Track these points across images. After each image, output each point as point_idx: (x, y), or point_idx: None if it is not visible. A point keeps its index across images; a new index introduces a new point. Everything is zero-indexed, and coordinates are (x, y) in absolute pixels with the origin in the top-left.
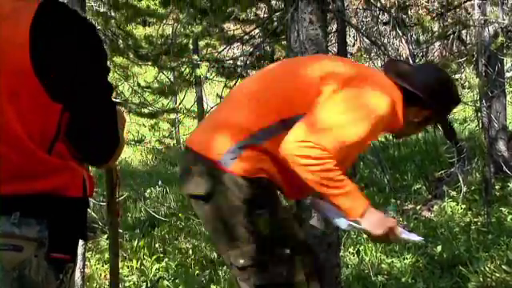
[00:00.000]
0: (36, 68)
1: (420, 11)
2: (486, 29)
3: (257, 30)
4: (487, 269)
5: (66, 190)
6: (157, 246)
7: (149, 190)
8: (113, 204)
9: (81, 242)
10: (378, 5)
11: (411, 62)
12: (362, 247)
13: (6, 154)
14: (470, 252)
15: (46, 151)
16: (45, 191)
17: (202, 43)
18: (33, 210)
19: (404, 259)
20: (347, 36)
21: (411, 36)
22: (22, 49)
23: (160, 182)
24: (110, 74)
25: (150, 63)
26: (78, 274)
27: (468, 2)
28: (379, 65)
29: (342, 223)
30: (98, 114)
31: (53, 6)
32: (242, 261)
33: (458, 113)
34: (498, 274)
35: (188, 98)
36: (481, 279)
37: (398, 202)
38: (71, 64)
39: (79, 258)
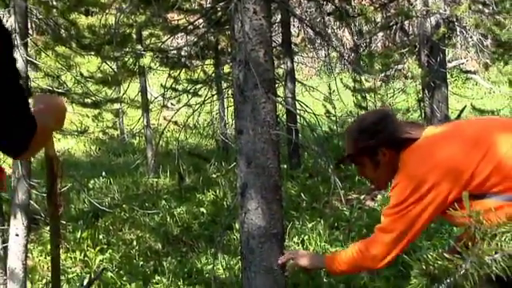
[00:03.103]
0: None
1: (363, 2)
2: (428, 19)
3: (201, 20)
4: (430, 257)
5: None
6: (100, 237)
7: (92, 181)
8: (53, 196)
9: (23, 234)
10: None
11: (355, 52)
12: (307, 237)
13: None
14: None
15: None
16: None
17: (145, 33)
18: None
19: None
20: (291, 26)
21: (355, 26)
22: None
23: (104, 173)
24: (53, 64)
25: (92, 53)
26: (20, 266)
27: None
28: (323, 55)
29: None
30: (7, 99)
31: None
32: None
33: (401, 103)
34: (440, 262)
35: (132, 88)
36: (423, 267)
37: (342, 191)
38: None
39: (21, 250)
